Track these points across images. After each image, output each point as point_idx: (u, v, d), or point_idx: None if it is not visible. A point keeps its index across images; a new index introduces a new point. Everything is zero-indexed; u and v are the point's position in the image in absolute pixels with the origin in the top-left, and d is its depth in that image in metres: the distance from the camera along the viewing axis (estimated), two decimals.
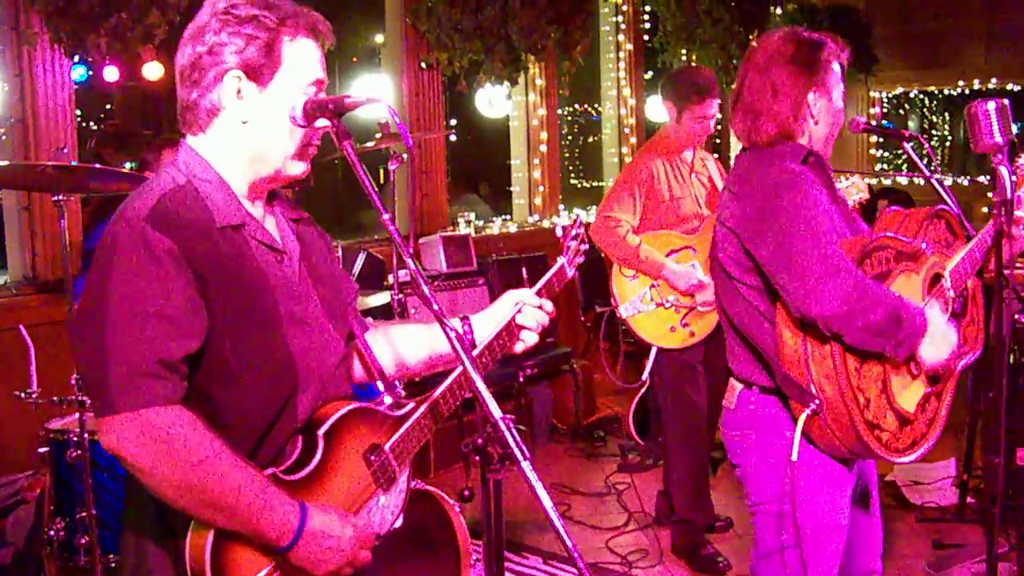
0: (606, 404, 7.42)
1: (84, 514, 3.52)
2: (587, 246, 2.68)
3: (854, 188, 4.85)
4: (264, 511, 1.83)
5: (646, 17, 9.25)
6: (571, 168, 12.17)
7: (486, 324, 2.36)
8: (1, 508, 4.14)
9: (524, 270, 6.99)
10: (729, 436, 2.95)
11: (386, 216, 1.86)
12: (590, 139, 11.75)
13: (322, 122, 1.98)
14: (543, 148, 8.08)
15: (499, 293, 6.89)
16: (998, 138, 2.64)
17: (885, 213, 2.77)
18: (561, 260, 2.58)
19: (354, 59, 11.27)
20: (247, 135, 1.98)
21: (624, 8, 8.94)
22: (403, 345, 2.40)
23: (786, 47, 2.79)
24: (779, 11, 11.14)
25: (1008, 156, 2.62)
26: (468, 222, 7.32)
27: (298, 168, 2.04)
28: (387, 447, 2.13)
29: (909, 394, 2.68)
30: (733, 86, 2.95)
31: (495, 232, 7.57)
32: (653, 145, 4.94)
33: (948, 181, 11.92)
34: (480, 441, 1.83)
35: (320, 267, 2.17)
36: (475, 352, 2.26)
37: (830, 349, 2.53)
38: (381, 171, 4.72)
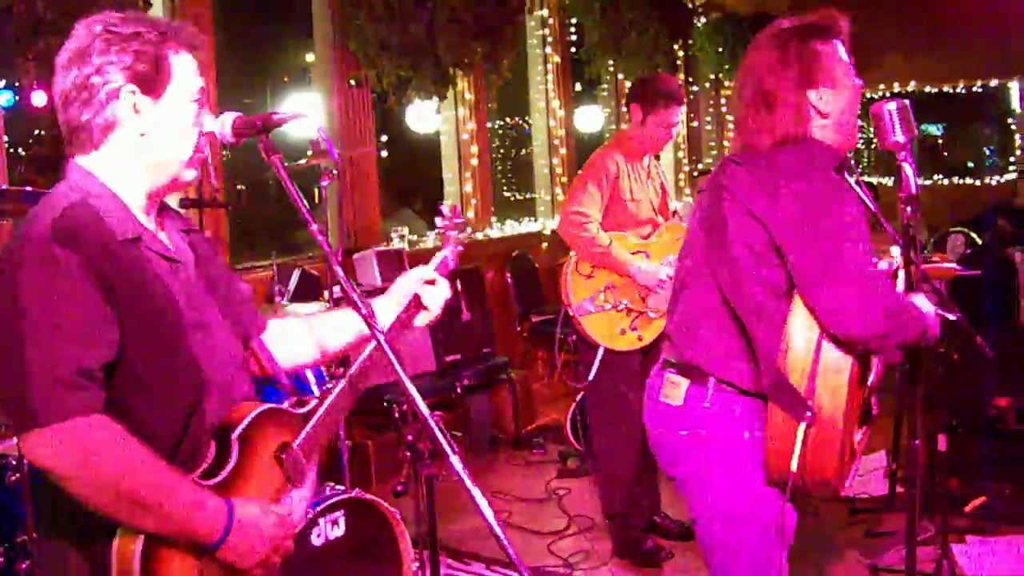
0: (544, 412, 7.50)
1: (24, 538, 3.52)
2: (465, 235, 2.77)
3: None
4: (195, 509, 1.88)
5: (572, 30, 9.35)
6: (503, 181, 12.24)
7: (387, 308, 2.46)
8: None
9: (458, 282, 7.05)
10: (670, 435, 2.82)
11: (314, 226, 1.93)
12: (522, 151, 11.84)
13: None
14: (474, 162, 8.13)
15: None
16: (900, 137, 2.71)
17: None
18: (444, 252, 2.69)
19: (285, 78, 11.27)
20: (146, 146, 2.04)
21: (550, 21, 9.03)
22: (324, 332, 2.49)
23: (771, 51, 2.72)
24: (703, 21, 11.33)
25: (911, 153, 2.72)
26: (402, 237, 7.36)
27: (192, 174, 2.13)
28: (296, 445, 2.18)
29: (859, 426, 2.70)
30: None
31: (429, 246, 7.61)
32: (616, 143, 4.93)
33: (875, 181, 12.19)
34: (410, 437, 1.90)
35: (213, 273, 2.23)
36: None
37: (850, 363, 2.49)
38: (316, 191, 4.75)
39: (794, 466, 2.50)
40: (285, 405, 2.24)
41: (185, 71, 2.07)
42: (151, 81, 2.01)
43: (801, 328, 2.52)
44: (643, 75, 5.42)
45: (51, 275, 1.84)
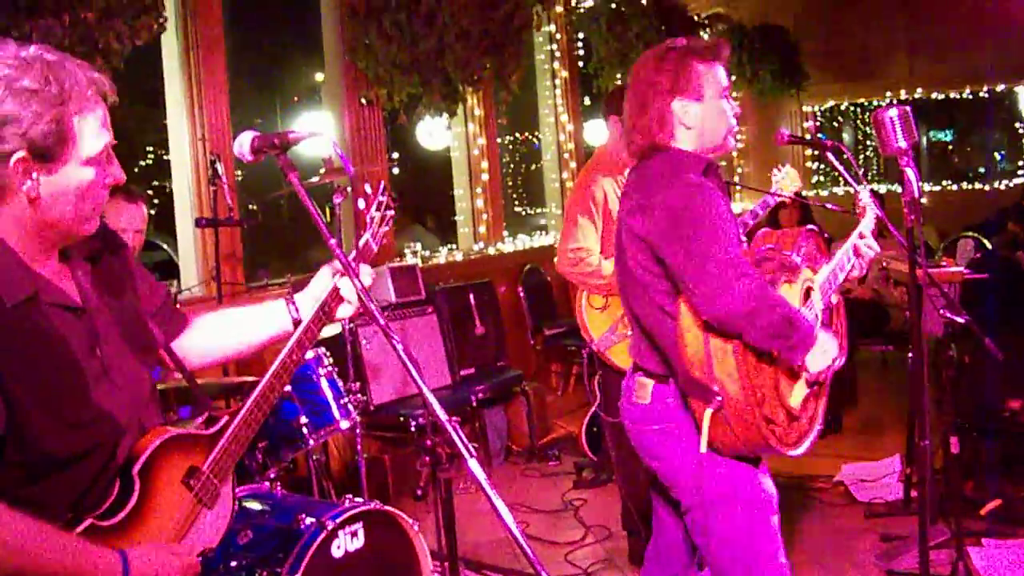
0: (559, 424, 7.54)
1: None
2: (391, 212, 2.67)
3: (788, 179, 4.98)
4: (87, 572, 1.87)
5: (580, 44, 9.41)
6: (514, 196, 12.30)
7: (305, 302, 2.45)
8: None
9: (471, 296, 7.11)
10: (645, 431, 3.03)
11: (332, 241, 1.99)
12: (532, 166, 11.89)
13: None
14: (485, 177, 8.18)
15: (448, 320, 6.96)
16: (902, 142, 2.78)
17: (759, 234, 2.96)
18: (365, 236, 2.60)
19: (295, 98, 11.36)
20: (37, 211, 1.92)
21: (558, 36, 9.09)
22: (247, 325, 2.49)
23: (649, 60, 2.96)
24: (708, 33, 11.38)
25: (913, 159, 2.77)
26: (415, 253, 7.41)
27: (91, 225, 2.02)
28: (205, 467, 2.17)
29: (795, 393, 2.85)
30: None
31: (441, 261, 7.66)
32: (596, 165, 4.83)
33: (883, 189, 12.22)
34: (429, 443, 1.94)
35: (120, 303, 2.17)
36: (301, 327, 2.36)
37: (731, 347, 2.67)
38: (328, 209, 4.81)
39: (703, 447, 2.74)
40: (192, 427, 2.23)
41: (89, 133, 1.93)
42: (47, 151, 1.88)
43: (689, 326, 2.73)
44: (620, 85, 5.37)
45: None
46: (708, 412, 2.70)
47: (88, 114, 1.93)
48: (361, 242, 2.59)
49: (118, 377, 2.07)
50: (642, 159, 2.98)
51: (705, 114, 2.91)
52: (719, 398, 2.67)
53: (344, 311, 2.48)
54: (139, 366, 2.16)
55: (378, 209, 2.63)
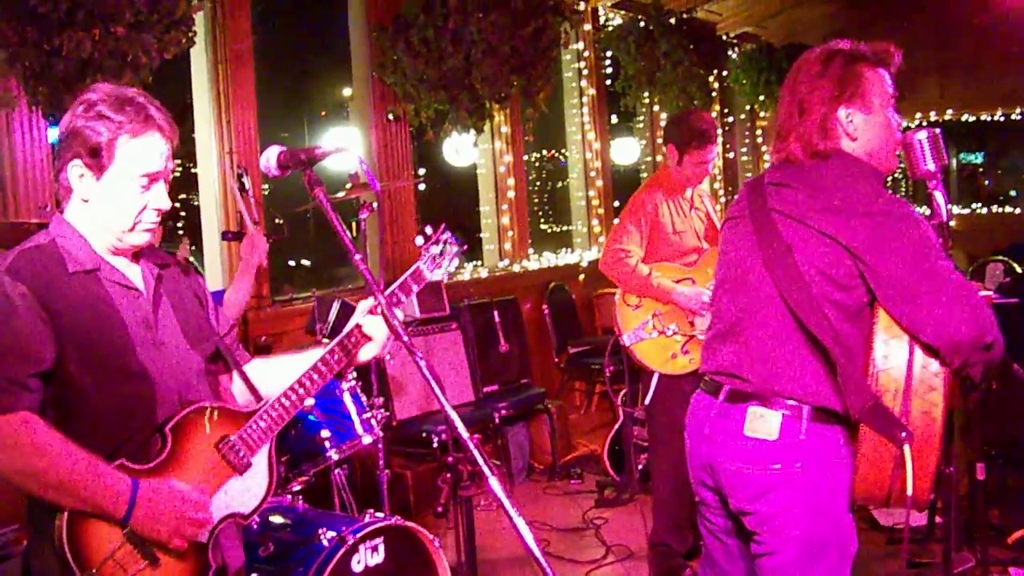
0: (581, 442, 7.52)
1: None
2: (454, 251, 2.88)
3: None
4: (98, 485, 2.19)
5: (607, 62, 9.40)
6: (540, 213, 12.30)
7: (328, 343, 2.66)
8: None
9: (496, 313, 7.10)
10: (759, 471, 2.69)
11: (357, 256, 2.00)
12: (558, 184, 11.89)
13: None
14: (511, 194, 8.19)
15: (472, 337, 6.96)
16: (930, 165, 2.73)
17: None
18: (418, 263, 2.81)
19: (323, 113, 11.40)
20: (88, 211, 2.39)
21: (586, 54, 9.10)
22: (275, 377, 2.66)
23: (815, 63, 2.73)
24: (737, 52, 11.37)
25: (942, 182, 2.74)
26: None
27: (138, 239, 2.42)
28: (234, 436, 2.45)
29: None
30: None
31: (467, 278, 7.66)
32: (656, 181, 5.08)
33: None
34: (451, 460, 1.95)
35: (181, 300, 2.57)
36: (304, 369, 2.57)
37: (942, 381, 2.46)
38: (354, 224, 4.82)
39: (910, 489, 2.46)
40: (236, 406, 2.55)
41: (134, 157, 2.34)
42: (95, 160, 2.32)
43: (891, 348, 2.50)
44: (677, 114, 5.47)
45: None
46: (907, 450, 2.45)
47: (140, 138, 2.33)
48: (411, 269, 2.79)
49: (169, 353, 2.43)
50: (807, 159, 2.72)
51: (872, 125, 2.70)
52: (905, 435, 2.46)
53: (367, 352, 2.65)
54: (190, 350, 2.50)
55: (436, 244, 2.87)
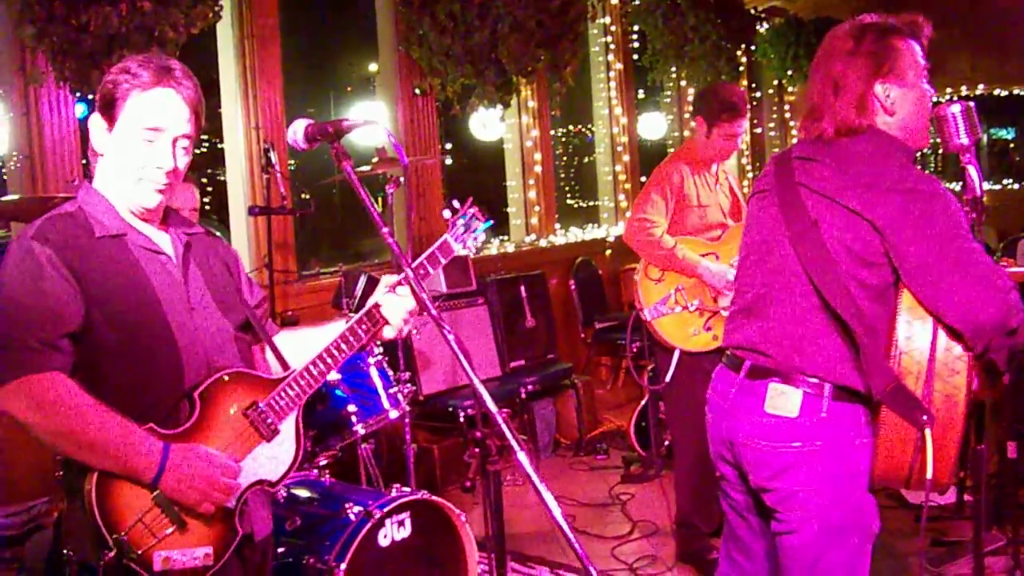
0: (608, 418, 7.52)
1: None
2: (481, 225, 2.84)
3: None
4: (129, 447, 2.22)
5: (635, 36, 9.34)
6: (567, 188, 12.26)
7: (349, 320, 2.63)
8: (19, 534, 4.23)
9: (522, 288, 7.10)
10: (778, 449, 2.67)
11: (385, 230, 1.99)
12: (585, 159, 11.85)
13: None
14: (538, 169, 8.18)
15: (498, 312, 6.97)
16: (964, 139, 2.69)
17: None
18: (445, 236, 2.76)
19: (349, 88, 11.39)
20: (105, 165, 2.43)
21: (613, 28, 9.05)
22: (296, 347, 2.67)
23: (846, 40, 2.69)
24: (765, 26, 11.27)
25: (975, 156, 2.70)
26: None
27: (147, 199, 2.41)
28: (263, 403, 2.45)
29: None
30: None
31: (493, 252, 7.66)
32: (681, 154, 4.99)
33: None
34: (479, 434, 1.94)
35: (210, 268, 2.58)
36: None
37: (965, 364, 2.44)
38: (380, 199, 4.82)
39: (929, 473, 2.44)
40: (265, 373, 2.58)
41: (141, 109, 2.35)
42: (109, 113, 2.37)
43: (915, 330, 2.48)
44: (707, 87, 5.39)
45: (26, 265, 2.25)
46: (928, 434, 2.42)
47: (150, 91, 2.34)
48: (439, 241, 2.74)
49: (199, 317, 2.45)
50: (838, 136, 2.68)
51: (908, 99, 2.67)
52: (926, 418, 2.42)
53: (387, 333, 2.62)
54: (222, 317, 2.51)
55: (464, 217, 2.83)
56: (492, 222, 2.87)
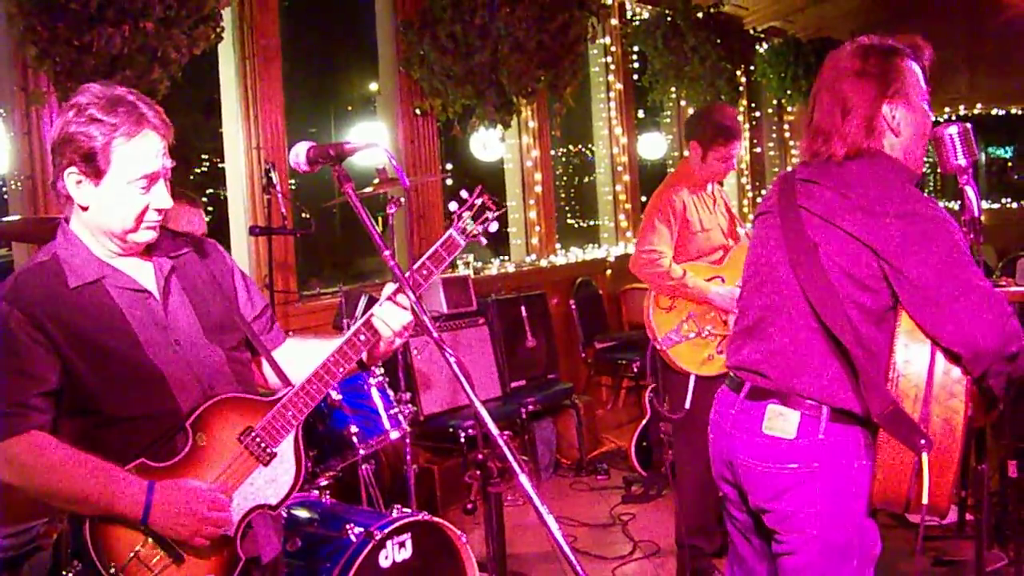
0: (608, 438, 7.51)
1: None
2: (490, 216, 2.63)
3: None
4: (111, 494, 2.24)
5: (635, 57, 9.37)
6: (567, 208, 12.28)
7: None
8: (18, 556, 4.22)
9: (523, 308, 7.10)
10: (775, 470, 2.67)
11: (387, 252, 2.00)
12: (585, 179, 11.86)
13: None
14: (538, 189, 8.18)
15: (499, 332, 6.96)
16: (961, 160, 2.70)
17: None
18: (450, 231, 2.63)
19: (350, 108, 11.43)
20: (88, 217, 2.36)
21: (613, 49, 9.07)
22: (301, 358, 2.64)
23: (853, 60, 2.68)
24: (764, 47, 11.30)
25: (973, 177, 2.71)
26: (467, 264, 7.42)
27: (144, 236, 2.39)
28: (258, 427, 2.43)
29: None
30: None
31: (494, 273, 7.67)
32: (678, 177, 4.97)
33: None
34: (480, 456, 1.94)
35: (198, 291, 2.53)
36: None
37: (963, 387, 2.43)
38: (380, 218, 4.83)
39: (925, 498, 2.42)
40: (258, 396, 2.51)
41: (131, 159, 2.29)
42: (91, 166, 2.28)
43: (913, 353, 2.47)
44: (699, 110, 5.36)
45: None
46: (925, 458, 2.41)
47: (135, 139, 2.29)
48: (444, 237, 2.61)
49: (186, 351, 2.42)
50: (847, 159, 2.67)
51: (912, 120, 2.67)
52: (924, 442, 2.41)
53: (382, 345, 2.56)
54: (210, 343, 2.48)
55: (469, 209, 2.65)
56: (504, 209, 2.76)
